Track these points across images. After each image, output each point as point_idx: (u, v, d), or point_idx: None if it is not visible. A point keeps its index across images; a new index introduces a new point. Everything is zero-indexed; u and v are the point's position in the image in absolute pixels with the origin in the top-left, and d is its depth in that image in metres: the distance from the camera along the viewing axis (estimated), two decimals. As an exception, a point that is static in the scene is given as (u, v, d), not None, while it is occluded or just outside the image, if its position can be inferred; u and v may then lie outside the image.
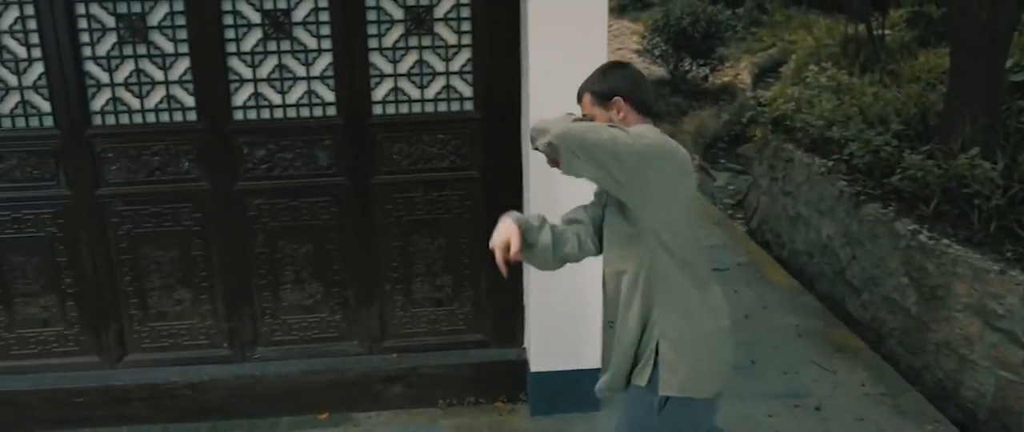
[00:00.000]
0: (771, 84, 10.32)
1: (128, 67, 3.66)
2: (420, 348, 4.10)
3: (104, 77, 3.66)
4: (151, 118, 3.72)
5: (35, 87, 3.66)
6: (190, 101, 3.70)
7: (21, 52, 3.62)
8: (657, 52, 12.21)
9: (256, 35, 3.65)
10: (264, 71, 3.70)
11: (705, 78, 12.43)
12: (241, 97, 3.71)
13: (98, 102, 3.69)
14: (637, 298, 2.54)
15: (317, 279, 3.95)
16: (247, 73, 3.69)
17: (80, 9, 3.58)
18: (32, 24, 3.57)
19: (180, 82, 3.68)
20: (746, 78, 12.28)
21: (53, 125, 3.69)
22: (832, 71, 7.26)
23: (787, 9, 14.20)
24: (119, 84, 3.67)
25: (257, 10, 3.63)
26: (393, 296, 4.01)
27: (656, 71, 12.07)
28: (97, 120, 3.71)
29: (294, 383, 3.98)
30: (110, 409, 3.95)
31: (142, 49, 3.64)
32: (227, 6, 3.61)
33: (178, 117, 3.72)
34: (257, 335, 4.01)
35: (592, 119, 2.61)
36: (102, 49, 3.63)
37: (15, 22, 3.57)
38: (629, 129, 2.47)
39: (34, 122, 3.70)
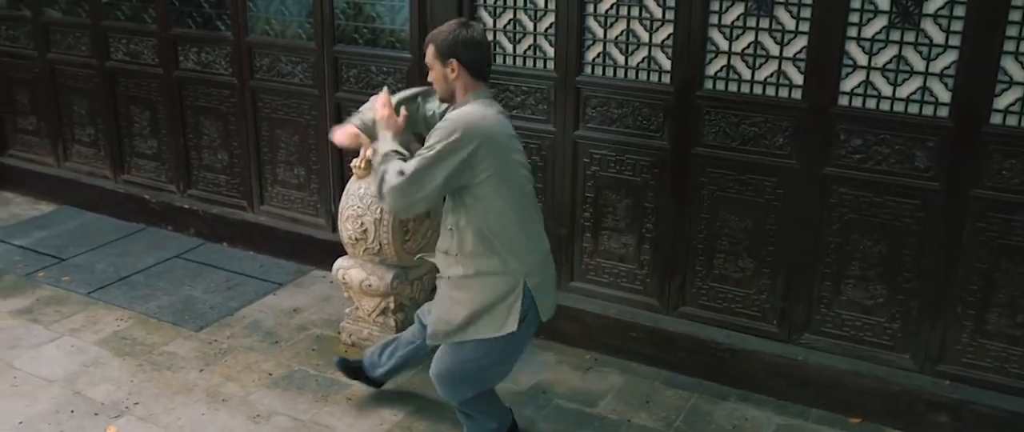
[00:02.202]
0: None
1: (747, 38, 3.82)
2: (978, 383, 3.73)
3: (723, 45, 3.87)
4: (758, 90, 3.85)
5: (661, 46, 4.00)
6: (799, 79, 3.75)
7: (657, 12, 3.97)
8: None
9: (881, 21, 3.56)
10: (881, 60, 3.60)
11: None
12: (851, 82, 3.66)
13: (712, 68, 3.92)
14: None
15: (883, 282, 3.79)
16: (862, 59, 3.62)
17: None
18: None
19: (793, 59, 3.75)
20: None
21: (669, 83, 4.01)
22: None
23: None
24: (735, 53, 3.85)
25: (889, -2, 3.53)
26: (962, 320, 3.70)
27: None
28: (708, 84, 3.94)
29: (833, 378, 3.89)
30: (657, 350, 4.25)
31: (764, 23, 3.77)
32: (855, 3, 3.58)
33: (784, 93, 3.80)
34: (809, 321, 3.98)
35: (429, 68, 3.12)
36: (727, 19, 3.83)
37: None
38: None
39: (654, 78, 4.05)
